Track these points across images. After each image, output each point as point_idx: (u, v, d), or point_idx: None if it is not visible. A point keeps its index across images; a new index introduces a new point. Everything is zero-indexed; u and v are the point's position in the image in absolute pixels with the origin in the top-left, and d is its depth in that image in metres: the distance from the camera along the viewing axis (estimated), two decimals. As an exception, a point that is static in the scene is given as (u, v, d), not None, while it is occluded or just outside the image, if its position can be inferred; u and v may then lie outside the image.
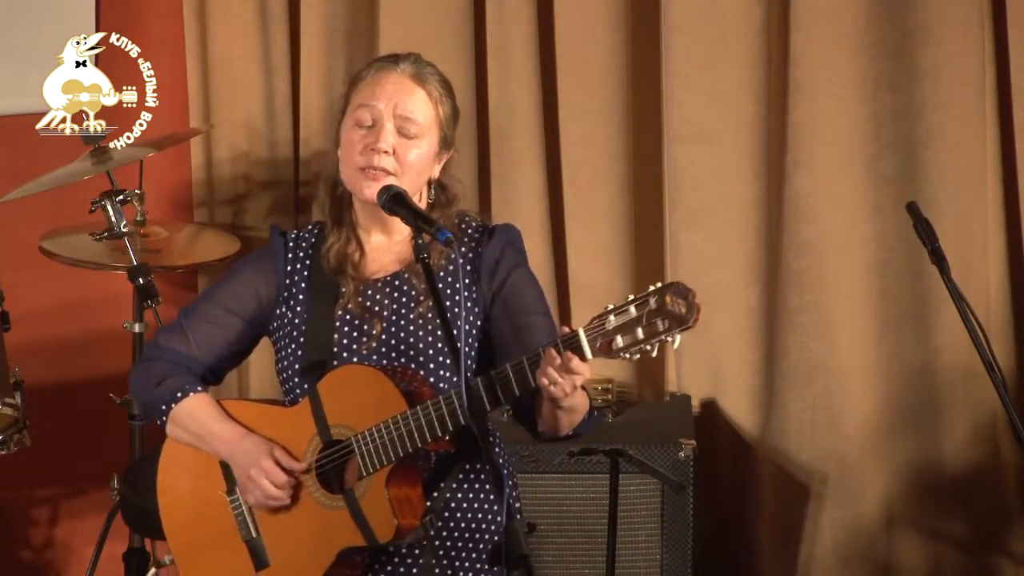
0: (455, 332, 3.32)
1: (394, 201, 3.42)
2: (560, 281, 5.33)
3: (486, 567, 3.50)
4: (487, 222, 3.60)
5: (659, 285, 3.15)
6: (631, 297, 3.17)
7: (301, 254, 3.59)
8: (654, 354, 3.16)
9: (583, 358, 3.20)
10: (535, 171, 5.27)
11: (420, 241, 3.35)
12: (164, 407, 3.54)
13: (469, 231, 3.56)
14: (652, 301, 3.14)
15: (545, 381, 3.24)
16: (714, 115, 5.19)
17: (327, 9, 5.33)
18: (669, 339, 3.13)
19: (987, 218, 5.15)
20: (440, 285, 3.49)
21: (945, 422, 5.17)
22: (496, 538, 3.50)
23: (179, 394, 3.53)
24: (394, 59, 3.55)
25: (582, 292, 5.30)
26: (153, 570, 4.68)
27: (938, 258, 4.19)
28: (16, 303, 4.84)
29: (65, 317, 5.43)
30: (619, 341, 3.16)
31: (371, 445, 3.38)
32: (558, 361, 3.21)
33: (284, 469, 3.45)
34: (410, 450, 3.35)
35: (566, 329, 3.22)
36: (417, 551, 3.48)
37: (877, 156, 5.15)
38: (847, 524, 5.20)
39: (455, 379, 3.43)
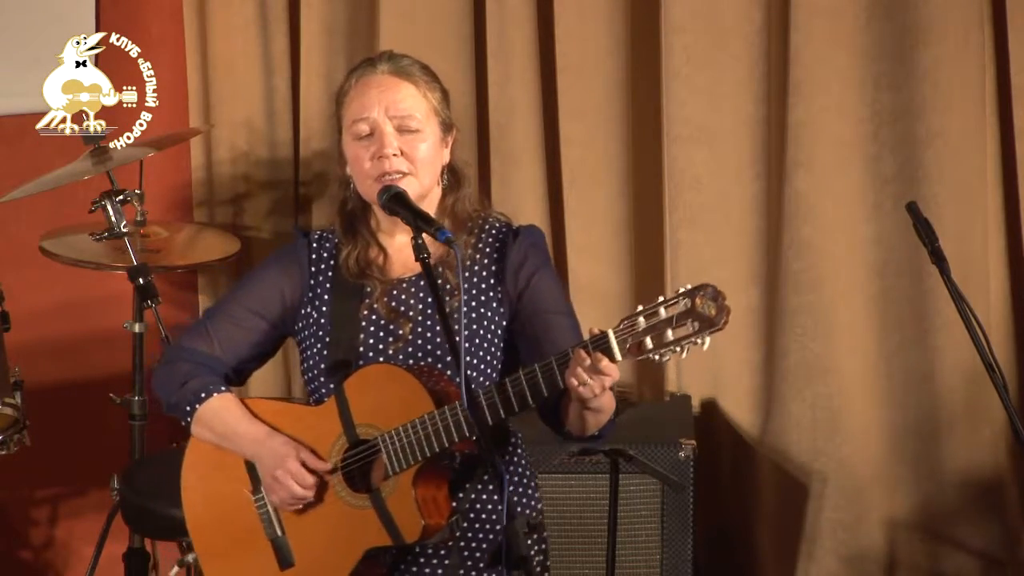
0: (455, 329, 3.31)
1: (394, 201, 3.41)
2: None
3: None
4: (511, 223, 3.59)
5: (689, 287, 3.14)
6: (661, 299, 3.16)
7: (324, 254, 3.58)
8: (684, 356, 3.15)
9: (612, 359, 3.19)
10: (535, 171, 5.27)
11: (420, 241, 3.34)
12: (189, 407, 3.53)
13: (494, 231, 3.56)
14: (682, 303, 3.13)
15: (574, 382, 3.23)
16: (714, 115, 5.19)
17: (327, 9, 5.33)
18: (699, 341, 3.13)
19: (987, 218, 5.15)
20: (467, 273, 3.49)
21: (945, 422, 5.18)
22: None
23: (203, 394, 3.52)
24: (370, 63, 3.53)
25: (582, 292, 5.30)
26: (175, 568, 4.66)
27: (938, 258, 4.18)
28: (16, 303, 4.83)
29: (65, 317, 5.42)
30: (648, 343, 3.15)
31: (398, 444, 3.37)
32: (588, 362, 3.20)
33: (310, 470, 3.44)
34: (436, 450, 3.34)
35: (596, 330, 3.21)
36: (443, 552, 3.48)
37: (877, 156, 5.15)
38: (847, 524, 5.20)
39: (482, 379, 3.45)
